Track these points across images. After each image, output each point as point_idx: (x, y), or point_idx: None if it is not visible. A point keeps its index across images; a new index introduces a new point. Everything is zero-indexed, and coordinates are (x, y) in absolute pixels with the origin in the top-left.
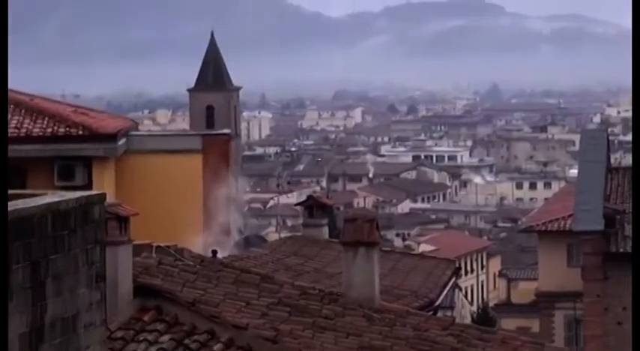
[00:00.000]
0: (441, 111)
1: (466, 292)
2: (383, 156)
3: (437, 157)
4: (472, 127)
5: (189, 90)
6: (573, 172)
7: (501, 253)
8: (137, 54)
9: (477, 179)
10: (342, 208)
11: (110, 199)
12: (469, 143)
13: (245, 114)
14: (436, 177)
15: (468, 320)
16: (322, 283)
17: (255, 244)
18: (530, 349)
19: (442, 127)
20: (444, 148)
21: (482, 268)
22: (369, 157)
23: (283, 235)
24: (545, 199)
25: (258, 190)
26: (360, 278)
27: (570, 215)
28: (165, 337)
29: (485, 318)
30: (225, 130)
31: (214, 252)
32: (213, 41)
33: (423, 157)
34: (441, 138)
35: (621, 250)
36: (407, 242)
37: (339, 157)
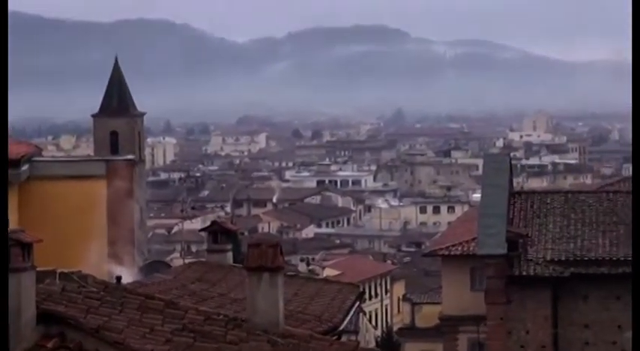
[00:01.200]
0: (345, 136)
1: (370, 317)
2: (287, 181)
3: (341, 181)
4: (376, 152)
5: (93, 115)
6: (476, 196)
7: (405, 277)
8: (41, 79)
9: (381, 204)
10: (246, 233)
11: (13, 225)
12: (373, 168)
13: (149, 139)
14: (340, 202)
15: (372, 344)
16: (227, 308)
17: (160, 270)
18: None
19: (346, 152)
20: (348, 172)
21: (386, 293)
22: (274, 182)
23: (188, 260)
24: (449, 223)
25: (163, 215)
26: (265, 303)
27: (474, 239)
28: None
29: (389, 342)
30: (130, 156)
31: (118, 278)
32: (117, 67)
33: (327, 181)
34: (345, 163)
35: (524, 273)
36: (311, 267)
37: (243, 182)
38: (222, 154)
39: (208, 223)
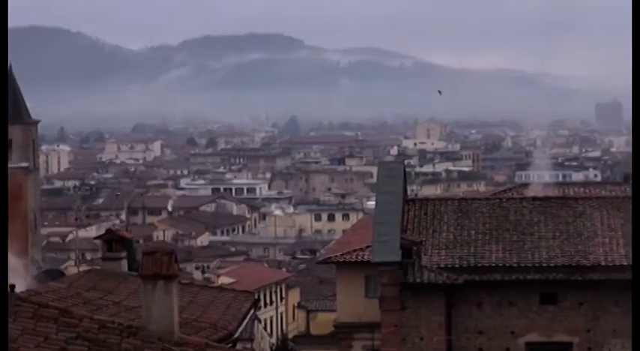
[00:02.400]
0: (239, 144)
1: (265, 324)
2: (182, 189)
3: (236, 189)
4: (271, 160)
5: None
6: (371, 203)
7: (300, 285)
8: None
9: (276, 211)
10: (141, 242)
11: None
12: (268, 176)
13: (44, 147)
14: (235, 209)
15: None
16: (121, 316)
17: (54, 278)
18: None
19: (241, 160)
20: (243, 180)
21: (281, 300)
22: (169, 190)
23: (82, 268)
24: (344, 230)
25: (57, 223)
26: (159, 311)
27: (368, 246)
28: None
29: (284, 350)
30: (23, 164)
31: (12, 287)
32: (11, 74)
33: (222, 189)
34: (239, 170)
35: (418, 281)
36: (206, 275)
37: (138, 190)
38: (117, 162)
39: (103, 231)
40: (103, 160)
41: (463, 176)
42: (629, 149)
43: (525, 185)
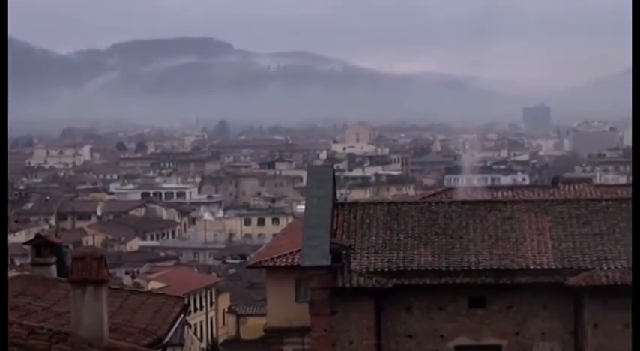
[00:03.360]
0: (169, 148)
1: (195, 329)
2: (112, 194)
3: (166, 194)
4: (200, 164)
5: None
6: (301, 207)
7: (230, 289)
8: None
9: (206, 216)
10: (70, 247)
11: None
12: (197, 180)
13: None
14: (165, 214)
15: None
16: (51, 322)
17: None
18: None
19: (171, 164)
20: (173, 185)
21: (211, 305)
22: (98, 195)
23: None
24: (274, 234)
25: None
26: (89, 316)
27: (298, 250)
28: None
29: None
30: None
31: None
32: None
33: (151, 194)
34: (169, 175)
35: (347, 285)
36: (136, 280)
37: (67, 195)
38: (47, 167)
39: (32, 237)
40: (32, 164)
41: (392, 180)
42: (557, 153)
43: (454, 189)
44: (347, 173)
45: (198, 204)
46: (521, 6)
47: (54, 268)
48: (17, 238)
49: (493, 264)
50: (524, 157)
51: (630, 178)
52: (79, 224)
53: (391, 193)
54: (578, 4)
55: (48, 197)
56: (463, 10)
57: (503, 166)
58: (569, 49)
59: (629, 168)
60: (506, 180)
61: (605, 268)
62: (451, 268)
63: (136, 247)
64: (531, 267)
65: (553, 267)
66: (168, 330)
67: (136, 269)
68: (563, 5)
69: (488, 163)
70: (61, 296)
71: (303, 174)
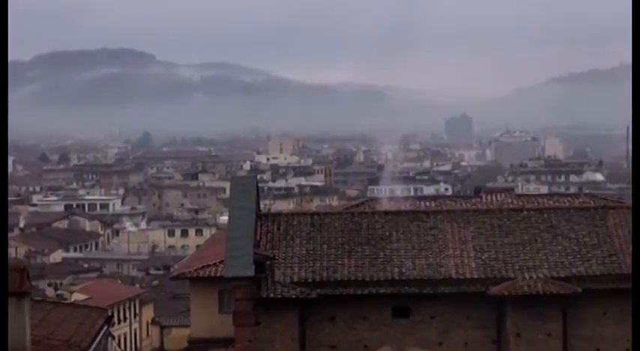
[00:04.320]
0: (92, 160)
1: (119, 341)
2: (35, 205)
3: (89, 205)
4: (124, 176)
5: None
6: (224, 218)
7: (154, 301)
8: None
9: (129, 227)
10: None
11: None
12: (121, 191)
13: None
14: (88, 226)
15: None
16: None
17: None
18: None
19: (94, 176)
20: (96, 196)
21: (135, 316)
22: (21, 207)
23: None
24: (197, 246)
25: None
26: (11, 329)
27: (222, 261)
28: None
29: None
30: None
31: None
32: None
33: (75, 206)
34: (92, 187)
35: (271, 295)
36: (59, 292)
37: None
38: None
39: None
40: None
41: (315, 191)
42: (480, 163)
43: (377, 199)
44: (270, 184)
45: (121, 215)
46: (443, 17)
47: None
48: None
49: (416, 274)
50: (447, 167)
51: (552, 188)
52: None
53: (314, 204)
54: (499, 16)
55: None
56: (385, 21)
57: (425, 177)
58: (491, 60)
59: (550, 177)
60: (428, 190)
61: (528, 277)
62: (375, 279)
63: (59, 259)
64: (454, 277)
65: (476, 277)
66: (92, 342)
67: (59, 281)
68: (484, 17)
69: (411, 174)
70: None
71: (227, 185)
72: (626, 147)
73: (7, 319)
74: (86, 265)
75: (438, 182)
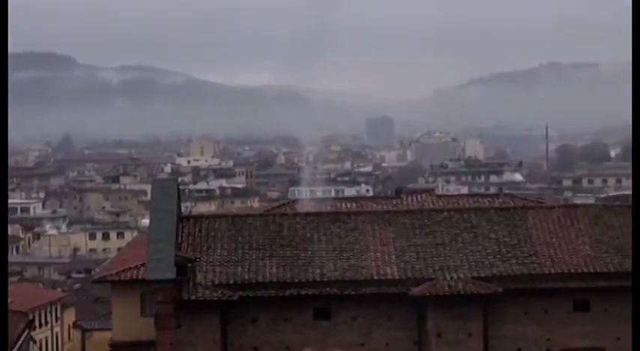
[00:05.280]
0: (13, 163)
1: (41, 345)
2: None
3: (9, 209)
4: (45, 179)
5: None
6: (145, 221)
7: (76, 305)
8: None
9: (50, 231)
10: None
11: None
12: (42, 195)
13: None
14: (9, 229)
15: None
16: None
17: None
18: None
19: (14, 180)
20: (17, 200)
21: (56, 320)
22: None
23: None
24: (119, 249)
25: None
26: None
27: (143, 264)
28: None
29: None
30: None
31: None
32: None
33: None
34: (13, 190)
35: (193, 298)
36: None
37: None
38: None
39: None
40: None
41: (237, 193)
42: (400, 164)
43: (298, 201)
44: (191, 186)
45: (42, 219)
46: (363, 19)
47: None
48: None
49: (338, 275)
50: (368, 169)
51: (472, 188)
52: None
53: (236, 206)
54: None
55: None
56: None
57: (347, 178)
58: (412, 61)
59: (470, 178)
60: (350, 191)
61: (448, 277)
62: (296, 280)
63: None
64: (375, 278)
65: (397, 277)
66: (13, 346)
67: None
68: (405, 18)
69: (332, 175)
70: None
71: (148, 188)
72: (545, 147)
73: (7, 317)
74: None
75: (359, 183)
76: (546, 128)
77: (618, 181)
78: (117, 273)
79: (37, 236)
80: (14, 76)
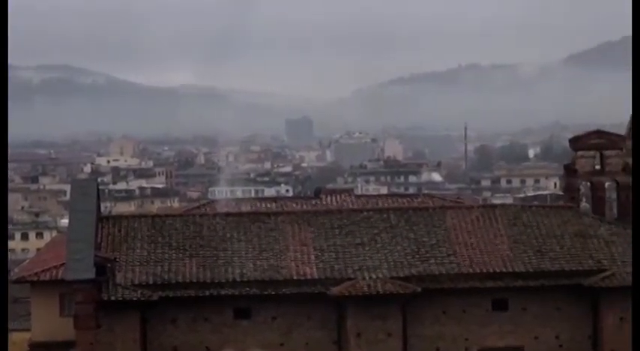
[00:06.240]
0: None
1: None
2: None
3: None
4: None
5: None
6: (65, 221)
7: None
8: None
9: None
10: None
11: None
12: None
13: None
14: None
15: None
16: None
17: None
18: None
19: None
20: None
21: None
22: None
23: None
24: (38, 249)
25: None
26: None
27: (62, 264)
28: None
29: None
30: None
31: None
32: None
33: None
34: None
35: (112, 298)
36: None
37: None
38: None
39: None
40: None
41: (157, 193)
42: (320, 164)
43: (218, 201)
44: (111, 186)
45: None
46: (285, 19)
47: None
48: None
49: (257, 275)
50: (288, 169)
51: (391, 188)
52: None
53: (156, 206)
54: (338, 18)
55: None
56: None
57: (266, 178)
58: (332, 62)
59: (389, 178)
60: (269, 192)
61: (367, 277)
62: (216, 280)
63: None
64: (295, 278)
65: (316, 277)
66: None
67: None
68: (324, 19)
69: (252, 175)
70: None
71: (67, 188)
72: (464, 147)
73: (6, 318)
74: None
75: (278, 184)
76: (465, 129)
77: (536, 181)
78: (36, 273)
79: None
80: None
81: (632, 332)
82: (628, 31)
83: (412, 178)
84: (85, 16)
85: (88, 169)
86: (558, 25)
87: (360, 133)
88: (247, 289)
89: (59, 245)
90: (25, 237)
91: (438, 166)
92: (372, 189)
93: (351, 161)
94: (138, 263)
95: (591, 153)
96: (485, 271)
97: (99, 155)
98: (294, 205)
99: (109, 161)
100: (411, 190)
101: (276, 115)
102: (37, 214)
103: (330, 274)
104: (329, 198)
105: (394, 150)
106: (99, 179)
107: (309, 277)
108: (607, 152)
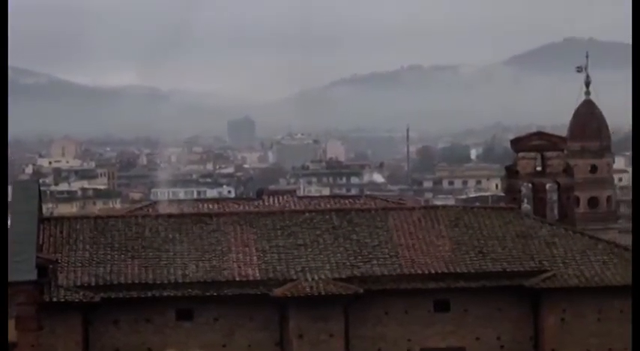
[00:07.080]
0: None
1: None
2: None
3: None
4: None
5: None
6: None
7: None
8: None
9: None
10: None
11: None
12: None
13: None
14: None
15: None
16: None
17: None
18: None
19: None
20: None
21: None
22: None
23: None
24: None
25: None
26: None
27: None
28: None
29: None
30: None
31: None
32: None
33: None
34: None
35: (54, 299)
36: None
37: None
38: None
39: None
40: None
41: (99, 194)
42: (262, 165)
43: (160, 202)
44: (53, 187)
45: None
46: (227, 20)
47: None
48: None
49: (199, 277)
50: (230, 170)
51: (333, 190)
52: None
53: (98, 207)
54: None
55: None
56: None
57: (209, 179)
58: (274, 63)
59: (331, 179)
60: (212, 193)
61: (310, 278)
62: (158, 281)
63: None
64: (237, 279)
65: (258, 278)
66: None
67: None
68: (266, 19)
69: (194, 176)
70: None
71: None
72: (406, 148)
73: (7, 320)
74: None
75: (221, 185)
76: (407, 130)
77: (478, 182)
78: None
79: None
80: None
81: (632, 332)
82: (570, 32)
83: (354, 180)
84: (27, 16)
85: (29, 170)
86: (501, 27)
87: (302, 134)
88: (189, 290)
89: None
90: None
91: (380, 168)
92: (315, 190)
93: (293, 162)
94: (80, 265)
95: (532, 154)
96: (427, 272)
97: (41, 156)
98: (236, 207)
99: (50, 162)
100: (354, 192)
101: (219, 116)
102: None
103: (272, 275)
104: (271, 199)
105: (336, 151)
106: (40, 180)
107: (251, 278)
108: (548, 154)
